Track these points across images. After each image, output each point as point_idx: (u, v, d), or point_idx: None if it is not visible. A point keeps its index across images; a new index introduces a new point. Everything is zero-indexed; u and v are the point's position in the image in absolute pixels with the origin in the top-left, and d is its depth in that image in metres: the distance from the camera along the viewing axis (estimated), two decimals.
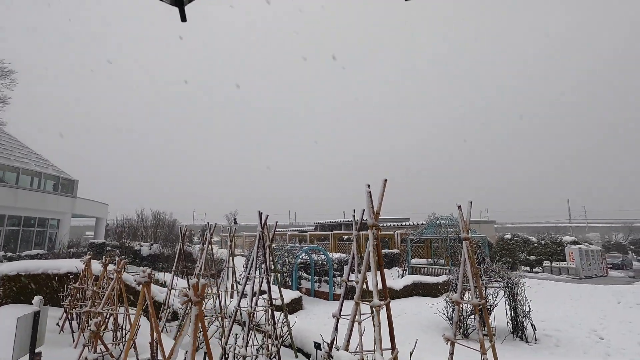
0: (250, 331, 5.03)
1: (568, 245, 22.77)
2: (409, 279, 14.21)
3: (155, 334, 2.89)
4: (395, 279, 15.86)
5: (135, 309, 3.62)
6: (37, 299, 4.39)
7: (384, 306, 2.89)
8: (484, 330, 4.13)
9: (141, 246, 19.13)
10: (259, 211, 5.29)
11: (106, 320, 5.08)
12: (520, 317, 8.09)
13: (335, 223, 39.96)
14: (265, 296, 5.63)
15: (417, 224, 27.32)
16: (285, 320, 5.98)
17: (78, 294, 6.03)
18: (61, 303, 6.07)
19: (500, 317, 8.57)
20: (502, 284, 8.46)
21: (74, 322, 5.94)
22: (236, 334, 5.41)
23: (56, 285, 7.32)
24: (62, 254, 19.00)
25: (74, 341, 5.24)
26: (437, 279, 14.39)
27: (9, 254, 20.55)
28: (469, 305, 7.51)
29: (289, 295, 11.14)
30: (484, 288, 8.28)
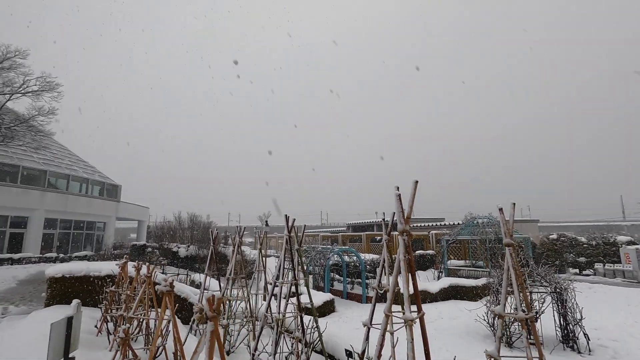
0: (280, 337, 4.93)
1: (623, 245, 20.88)
2: (446, 281, 13.60)
3: (177, 344, 2.84)
4: (431, 281, 15.29)
5: (169, 312, 3.62)
6: (74, 302, 4.50)
7: (418, 320, 2.64)
8: (531, 339, 3.75)
9: (179, 248, 19.79)
10: (286, 215, 5.19)
11: (140, 323, 5.18)
12: (571, 325, 7.41)
13: (368, 224, 39.41)
14: (294, 300, 5.51)
15: (453, 224, 26.24)
16: (315, 325, 5.83)
17: (115, 297, 6.23)
18: (99, 305, 6.30)
19: (546, 324, 7.91)
20: (549, 289, 7.81)
21: (110, 325, 6.14)
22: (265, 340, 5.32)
23: (97, 287, 7.65)
24: (107, 256, 20.15)
25: (109, 343, 5.40)
26: (476, 282, 13.67)
27: (61, 255, 22.13)
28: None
29: (321, 297, 11.00)
30: (528, 294, 7.69)
